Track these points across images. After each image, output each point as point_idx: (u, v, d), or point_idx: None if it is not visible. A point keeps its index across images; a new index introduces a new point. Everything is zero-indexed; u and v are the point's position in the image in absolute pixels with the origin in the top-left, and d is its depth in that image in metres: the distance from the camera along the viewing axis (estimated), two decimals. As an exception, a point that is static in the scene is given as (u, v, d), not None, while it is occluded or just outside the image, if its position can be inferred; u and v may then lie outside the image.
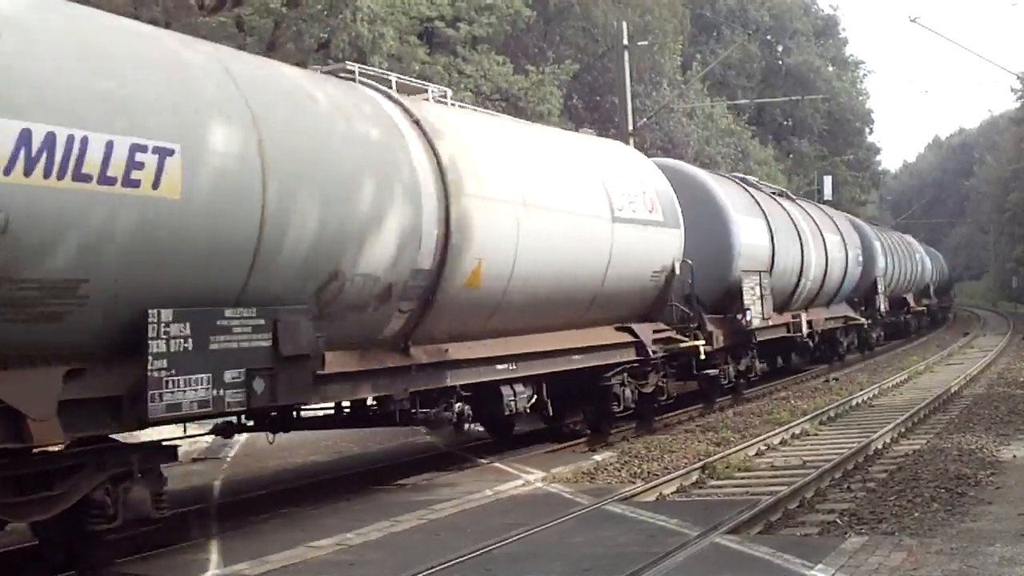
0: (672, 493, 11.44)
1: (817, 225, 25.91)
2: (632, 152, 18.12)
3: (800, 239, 23.38)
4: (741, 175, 25.72)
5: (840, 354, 29.20)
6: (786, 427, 15.88)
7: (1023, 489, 10.51)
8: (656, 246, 15.52)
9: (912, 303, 42.94)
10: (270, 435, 11.56)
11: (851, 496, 10.75)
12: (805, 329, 23.41)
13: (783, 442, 15.01)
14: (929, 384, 22.48)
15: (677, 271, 16.13)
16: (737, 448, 13.89)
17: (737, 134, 47.35)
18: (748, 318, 19.11)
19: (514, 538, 8.83)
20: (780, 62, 65.93)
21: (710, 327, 17.59)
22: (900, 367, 27.33)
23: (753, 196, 21.92)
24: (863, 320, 30.23)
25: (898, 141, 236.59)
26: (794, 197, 27.71)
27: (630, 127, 27.80)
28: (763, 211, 21.52)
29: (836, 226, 28.47)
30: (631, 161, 16.55)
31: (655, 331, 15.97)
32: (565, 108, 33.42)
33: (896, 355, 33.22)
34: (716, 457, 13.11)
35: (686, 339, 16.52)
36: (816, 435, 15.75)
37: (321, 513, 10.40)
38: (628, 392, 15.20)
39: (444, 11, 28.58)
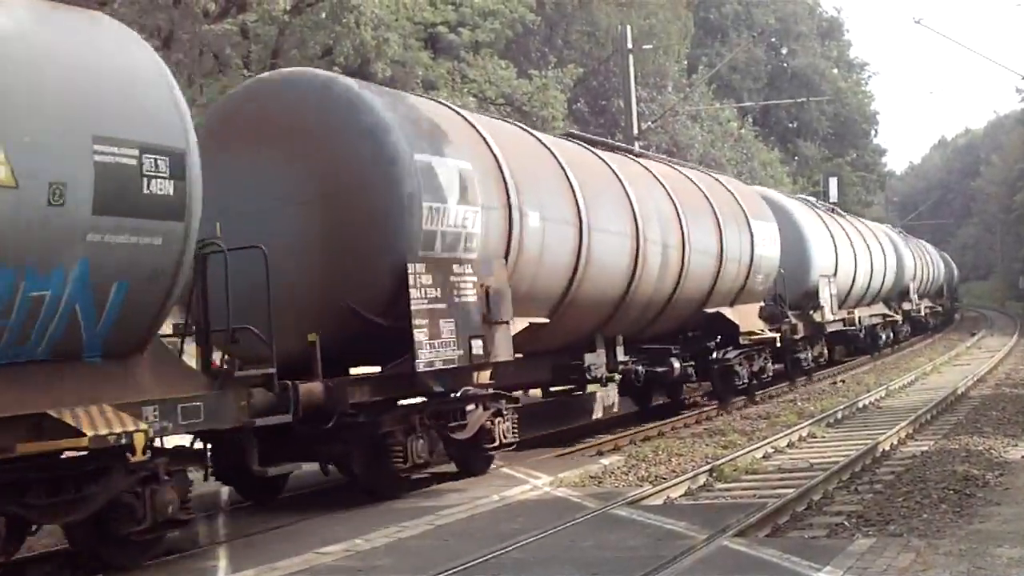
0: (680, 496, 11.44)
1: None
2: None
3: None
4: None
5: None
6: (793, 429, 15.87)
7: (1031, 490, 10.49)
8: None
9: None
10: None
11: (859, 498, 10.73)
12: None
13: (790, 444, 14.99)
14: (936, 385, 22.46)
15: None
16: (744, 451, 13.88)
17: (743, 137, 47.36)
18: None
19: (523, 543, 8.83)
20: (785, 64, 65.98)
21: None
22: (907, 368, 27.30)
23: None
24: None
25: (904, 142, 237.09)
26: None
27: (635, 131, 27.85)
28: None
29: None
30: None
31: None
32: (570, 112, 33.43)
33: (903, 356, 33.19)
34: (724, 460, 13.09)
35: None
36: (823, 437, 15.73)
37: (329, 519, 10.40)
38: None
39: (448, 16, 28.62)
